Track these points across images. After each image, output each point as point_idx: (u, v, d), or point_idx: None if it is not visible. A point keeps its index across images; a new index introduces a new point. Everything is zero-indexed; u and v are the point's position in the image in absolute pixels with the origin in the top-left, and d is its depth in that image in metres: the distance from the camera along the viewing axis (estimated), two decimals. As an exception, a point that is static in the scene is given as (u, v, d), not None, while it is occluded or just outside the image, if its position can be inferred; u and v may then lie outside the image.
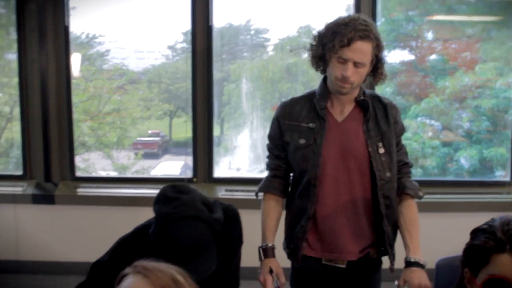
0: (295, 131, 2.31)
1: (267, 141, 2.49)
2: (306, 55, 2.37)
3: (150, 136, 6.05)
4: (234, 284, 2.38)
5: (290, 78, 5.36)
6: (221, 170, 5.14)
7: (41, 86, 4.89)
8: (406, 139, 5.13)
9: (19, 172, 5.06)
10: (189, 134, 4.98)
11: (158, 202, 2.14)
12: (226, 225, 2.30)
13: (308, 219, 2.30)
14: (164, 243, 2.05)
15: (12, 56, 5.30)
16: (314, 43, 2.27)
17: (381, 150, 2.26)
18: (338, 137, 2.28)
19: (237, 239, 2.31)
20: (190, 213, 2.05)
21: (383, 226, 2.31)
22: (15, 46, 5.02)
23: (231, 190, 4.32)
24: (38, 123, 4.94)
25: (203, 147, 4.89)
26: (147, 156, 5.96)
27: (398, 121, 2.36)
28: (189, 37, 4.86)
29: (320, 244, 2.34)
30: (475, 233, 1.66)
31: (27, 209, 4.89)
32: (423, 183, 4.37)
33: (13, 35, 5.10)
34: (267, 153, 2.48)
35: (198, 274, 2.04)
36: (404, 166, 2.39)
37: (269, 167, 2.48)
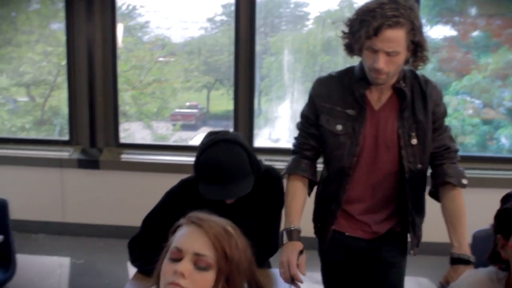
0: (332, 115, 2.15)
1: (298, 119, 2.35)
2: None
3: (188, 108, 6.14)
4: (274, 247, 2.46)
5: (331, 51, 5.37)
6: (261, 140, 5.23)
7: (87, 56, 5.04)
8: (448, 116, 5.10)
9: (66, 138, 5.24)
10: (227, 106, 5.05)
11: (201, 141, 2.32)
12: (270, 182, 2.41)
13: (339, 205, 2.24)
14: (203, 167, 2.20)
15: (57, 26, 5.46)
16: (345, 30, 2.09)
17: (414, 141, 2.13)
18: (374, 126, 2.14)
19: (280, 199, 2.38)
20: (229, 138, 2.22)
21: (408, 216, 2.23)
22: (60, 15, 5.17)
23: (271, 160, 4.39)
24: (85, 91, 5.10)
25: (244, 118, 4.98)
26: (185, 127, 6.07)
27: (439, 104, 2.19)
28: (229, 9, 4.90)
29: (347, 224, 2.29)
30: (505, 199, 1.70)
31: (73, 173, 5.08)
32: (462, 158, 4.38)
33: (58, 5, 5.24)
34: (296, 133, 2.31)
35: (233, 195, 2.22)
36: (446, 151, 2.21)
37: (298, 147, 2.29)
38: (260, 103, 5.52)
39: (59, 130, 5.61)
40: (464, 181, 2.17)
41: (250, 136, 4.97)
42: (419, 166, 2.16)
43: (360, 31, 1.96)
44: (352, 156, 2.14)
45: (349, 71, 2.19)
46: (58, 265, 4.50)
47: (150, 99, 5.96)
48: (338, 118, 2.14)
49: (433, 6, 5.14)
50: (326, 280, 2.41)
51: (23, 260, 3.40)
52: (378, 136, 2.14)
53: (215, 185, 2.18)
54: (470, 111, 5.37)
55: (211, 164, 2.18)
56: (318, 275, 2.42)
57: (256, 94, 5.20)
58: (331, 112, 2.15)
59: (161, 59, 5.80)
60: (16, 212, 3.28)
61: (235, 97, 4.99)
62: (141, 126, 5.89)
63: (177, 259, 1.31)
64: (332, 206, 2.25)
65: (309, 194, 2.33)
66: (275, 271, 2.33)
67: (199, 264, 1.30)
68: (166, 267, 1.32)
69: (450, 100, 5.15)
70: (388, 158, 2.16)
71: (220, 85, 5.90)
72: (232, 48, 4.97)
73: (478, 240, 2.72)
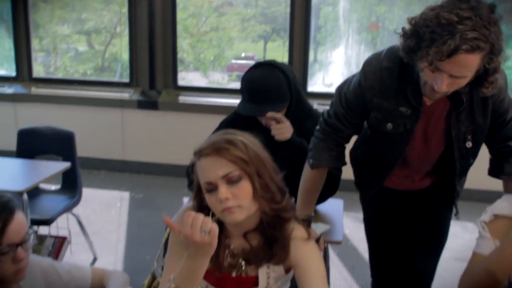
0: (382, 112, 1.92)
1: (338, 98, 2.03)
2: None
3: (244, 59, 6.18)
4: None
5: (388, 1, 5.30)
6: (315, 85, 5.28)
7: (148, 2, 5.19)
8: (509, 68, 4.99)
9: (126, 80, 5.46)
10: (282, 58, 5.06)
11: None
12: (313, 120, 2.41)
13: (375, 189, 2.16)
14: (242, 85, 2.29)
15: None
16: (407, 28, 1.72)
17: (469, 144, 1.94)
18: (425, 121, 1.94)
19: None
20: (273, 62, 2.29)
21: (454, 202, 2.17)
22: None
23: (324, 104, 4.46)
24: (145, 36, 5.27)
25: (298, 69, 4.99)
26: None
27: (503, 100, 1.91)
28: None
29: (391, 183, 2.20)
30: None
31: (133, 113, 5.31)
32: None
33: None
34: (329, 121, 2.02)
35: (263, 112, 2.24)
36: (505, 147, 1.99)
37: (332, 134, 2.03)
38: (316, 54, 5.54)
39: (119, 76, 5.83)
40: None
41: (304, 82, 5.03)
42: (471, 161, 2.02)
43: (430, 46, 1.60)
44: (399, 154, 2.01)
45: (402, 62, 1.83)
46: (119, 198, 4.78)
47: (207, 46, 6.07)
48: (389, 115, 1.92)
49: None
50: (369, 228, 2.39)
51: (86, 193, 3.63)
52: (428, 132, 1.97)
53: (251, 103, 2.25)
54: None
55: (249, 82, 2.27)
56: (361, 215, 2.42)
57: (312, 45, 5.21)
58: (382, 109, 1.92)
59: (219, 7, 5.88)
60: (80, 149, 3.49)
61: (290, 47, 5.05)
62: (198, 75, 6.02)
63: (213, 189, 1.42)
64: (369, 190, 2.19)
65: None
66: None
67: (231, 180, 1.41)
68: (211, 200, 1.43)
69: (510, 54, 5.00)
70: (437, 153, 2.03)
71: (277, 36, 5.92)
72: (289, -1, 4.99)
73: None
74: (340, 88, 2.02)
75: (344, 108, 1.96)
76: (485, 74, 1.69)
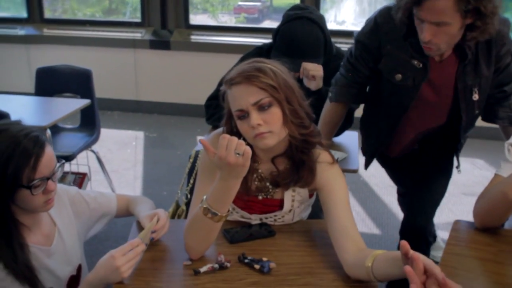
0: (393, 61, 1.98)
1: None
2: None
3: (251, 0, 6.05)
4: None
5: None
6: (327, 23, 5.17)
7: None
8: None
9: (138, 20, 5.43)
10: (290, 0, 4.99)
11: (287, 10, 2.42)
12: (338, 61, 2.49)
13: (388, 140, 2.21)
14: (281, 37, 2.33)
15: None
16: None
17: (475, 97, 1.97)
18: (434, 78, 1.97)
19: None
20: (313, 17, 2.31)
21: (456, 152, 2.22)
22: None
23: (336, 42, 4.43)
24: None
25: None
26: (249, 20, 6.05)
27: (504, 45, 1.94)
28: None
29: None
30: None
31: (145, 53, 5.31)
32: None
33: None
34: (350, 60, 2.11)
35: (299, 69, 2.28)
36: (501, 93, 2.05)
37: (352, 73, 2.12)
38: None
39: (128, 17, 5.80)
40: None
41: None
42: (477, 111, 2.07)
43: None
44: (407, 106, 2.04)
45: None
46: (133, 137, 4.87)
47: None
48: (399, 66, 1.97)
49: None
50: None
51: (102, 133, 3.67)
52: (437, 87, 2.01)
53: (288, 57, 2.27)
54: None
55: (289, 36, 2.30)
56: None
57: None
58: (393, 57, 1.98)
59: None
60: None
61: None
62: (206, 17, 5.94)
63: (245, 116, 1.47)
64: (383, 138, 2.23)
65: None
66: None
67: (262, 107, 1.45)
68: (243, 127, 1.49)
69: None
70: (445, 107, 2.06)
71: None
72: None
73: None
74: (357, 33, 2.09)
75: (360, 51, 2.05)
76: (475, 19, 1.71)
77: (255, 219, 1.68)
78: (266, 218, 1.67)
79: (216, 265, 1.44)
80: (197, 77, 5.18)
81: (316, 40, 2.30)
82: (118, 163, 4.21)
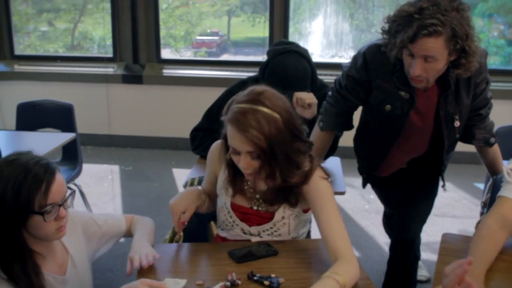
0: (383, 93, 2.12)
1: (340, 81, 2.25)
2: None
3: (210, 35, 6.14)
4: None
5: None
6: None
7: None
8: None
9: (110, 55, 5.51)
10: (247, 34, 5.25)
11: (273, 45, 2.56)
12: (323, 91, 2.58)
13: (381, 163, 2.34)
14: (272, 69, 2.46)
15: None
16: (385, 28, 1.97)
17: (457, 123, 2.13)
18: (420, 105, 2.12)
19: None
20: (300, 51, 2.44)
21: (441, 173, 2.37)
22: None
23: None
24: (127, 11, 5.33)
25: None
26: (209, 54, 6.07)
27: (482, 81, 2.12)
28: None
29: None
30: None
31: (118, 88, 5.38)
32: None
33: None
34: (340, 91, 2.23)
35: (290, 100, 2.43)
36: (477, 117, 2.21)
37: (342, 99, 2.23)
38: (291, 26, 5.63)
39: (96, 53, 5.86)
40: (492, 140, 2.25)
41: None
42: (457, 136, 2.21)
43: (397, 36, 1.87)
44: (396, 135, 2.19)
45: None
46: (109, 171, 4.89)
47: (179, 21, 6.05)
48: (388, 97, 2.11)
49: None
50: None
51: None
52: (422, 114, 2.15)
53: (278, 88, 2.41)
54: (495, 33, 5.42)
55: (281, 68, 2.44)
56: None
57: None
58: (383, 90, 2.12)
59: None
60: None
61: (271, 19, 5.19)
62: (168, 52, 5.97)
63: (237, 153, 1.62)
64: (373, 168, 2.39)
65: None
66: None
67: (252, 156, 1.60)
68: (234, 158, 1.64)
69: (475, 21, 5.19)
70: (429, 132, 2.22)
71: (241, 11, 5.93)
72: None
73: (499, 136, 2.97)
74: (347, 68, 2.21)
75: (351, 83, 2.18)
76: (458, 57, 1.89)
77: (253, 232, 1.79)
78: (264, 231, 1.78)
79: (228, 283, 1.52)
80: (169, 110, 5.26)
81: (305, 72, 2.44)
82: (96, 196, 4.22)
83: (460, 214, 4.03)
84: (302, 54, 2.46)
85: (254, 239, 1.80)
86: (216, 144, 1.84)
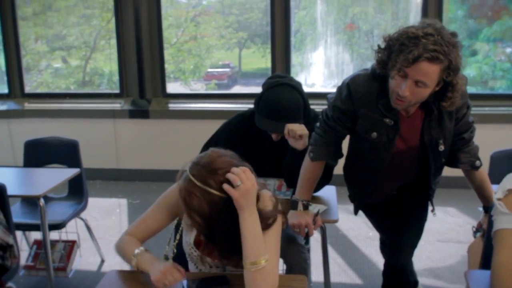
0: (368, 121, 2.19)
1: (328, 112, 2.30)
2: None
3: (221, 67, 6.29)
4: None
5: (361, 2, 5.56)
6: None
7: (134, 15, 5.42)
8: (477, 62, 5.28)
9: (117, 91, 5.66)
10: (258, 65, 5.35)
11: (268, 79, 2.63)
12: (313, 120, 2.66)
13: (371, 189, 2.38)
14: (265, 102, 2.52)
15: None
16: (382, 46, 2.06)
17: (441, 148, 2.21)
18: (404, 132, 2.20)
19: None
20: (293, 84, 2.53)
21: (429, 198, 2.43)
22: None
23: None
24: (133, 47, 5.49)
25: (281, 71, 5.19)
26: (220, 86, 6.24)
27: (460, 108, 2.18)
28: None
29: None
30: None
31: (125, 123, 5.51)
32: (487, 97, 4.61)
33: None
34: (327, 122, 2.28)
35: (283, 131, 2.48)
36: (461, 141, 2.27)
37: (330, 129, 2.28)
38: (297, 56, 5.75)
39: (105, 88, 6.01)
40: (477, 163, 2.29)
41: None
42: (443, 160, 2.29)
43: (398, 55, 1.94)
44: (383, 162, 2.26)
45: (380, 80, 2.14)
46: (117, 205, 4.96)
47: (187, 55, 6.20)
48: (374, 125, 2.19)
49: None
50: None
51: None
52: (406, 140, 2.23)
53: (271, 120, 2.49)
54: (502, 57, 5.47)
55: (274, 101, 2.49)
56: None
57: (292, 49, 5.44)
58: (368, 118, 2.19)
59: (196, 16, 6.05)
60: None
61: (272, 51, 5.31)
62: (178, 85, 6.14)
63: None
64: (362, 197, 2.46)
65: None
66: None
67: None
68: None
69: (481, 47, 5.27)
70: (415, 158, 2.29)
71: (251, 43, 6.08)
72: (262, 6, 5.23)
73: (495, 160, 3.02)
74: (332, 99, 2.28)
75: (337, 114, 2.24)
76: (444, 89, 2.00)
77: (218, 265, 1.87)
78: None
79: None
80: (176, 144, 5.36)
81: (297, 104, 2.49)
82: (104, 230, 4.29)
83: (464, 239, 4.03)
84: (295, 87, 2.52)
85: (216, 271, 1.85)
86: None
